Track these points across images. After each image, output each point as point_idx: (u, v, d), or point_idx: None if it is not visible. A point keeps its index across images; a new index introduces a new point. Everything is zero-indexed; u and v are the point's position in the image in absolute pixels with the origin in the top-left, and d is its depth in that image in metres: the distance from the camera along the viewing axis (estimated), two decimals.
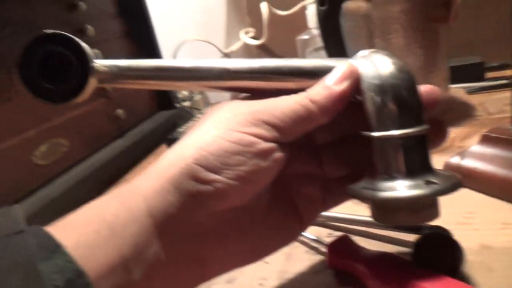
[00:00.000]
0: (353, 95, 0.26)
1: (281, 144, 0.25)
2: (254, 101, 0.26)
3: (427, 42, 0.60)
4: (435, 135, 0.28)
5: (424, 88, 0.26)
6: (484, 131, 0.44)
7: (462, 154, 0.44)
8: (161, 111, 0.88)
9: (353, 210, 0.43)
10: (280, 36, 0.98)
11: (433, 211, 0.26)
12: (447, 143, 0.55)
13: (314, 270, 0.35)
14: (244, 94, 0.29)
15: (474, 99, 0.68)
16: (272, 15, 0.89)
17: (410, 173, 0.25)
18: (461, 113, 0.63)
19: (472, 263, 0.32)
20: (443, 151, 0.52)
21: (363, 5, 0.59)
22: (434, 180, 0.24)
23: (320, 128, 0.27)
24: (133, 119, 0.78)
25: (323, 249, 0.35)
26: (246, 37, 0.97)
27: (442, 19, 0.61)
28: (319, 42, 0.59)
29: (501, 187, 0.39)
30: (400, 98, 0.24)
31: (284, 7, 0.90)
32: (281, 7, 0.91)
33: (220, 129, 0.24)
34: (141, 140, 0.73)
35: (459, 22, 0.90)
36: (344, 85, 0.25)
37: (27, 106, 0.54)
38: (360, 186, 0.26)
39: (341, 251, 0.33)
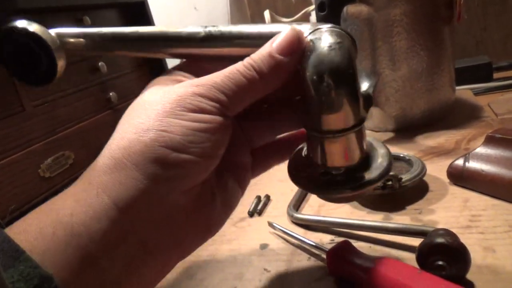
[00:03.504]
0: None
1: (229, 116, 0.25)
2: (198, 79, 0.25)
3: (430, 44, 0.60)
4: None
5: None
6: (489, 131, 0.43)
7: (467, 156, 0.43)
8: None
9: (356, 215, 0.43)
10: None
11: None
12: (452, 145, 0.54)
13: (314, 277, 0.35)
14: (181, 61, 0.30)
15: (481, 100, 0.67)
16: (275, 22, 0.90)
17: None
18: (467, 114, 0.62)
19: (477, 268, 0.31)
20: (448, 153, 0.52)
21: (364, 9, 0.59)
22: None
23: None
24: None
25: (324, 256, 0.35)
26: None
27: (445, 20, 0.60)
28: None
29: (506, 189, 0.38)
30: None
31: (288, 14, 0.90)
32: (284, 14, 0.91)
33: (174, 111, 0.23)
34: None
35: (468, 22, 0.89)
36: (290, 57, 0.25)
37: (33, 120, 0.55)
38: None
39: (341, 258, 0.33)
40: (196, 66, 0.29)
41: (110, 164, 0.23)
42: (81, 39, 0.28)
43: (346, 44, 0.24)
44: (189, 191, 0.24)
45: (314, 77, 0.24)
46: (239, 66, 0.25)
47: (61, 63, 0.27)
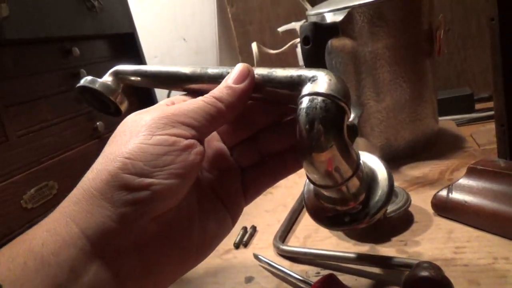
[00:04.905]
0: (252, 92, 0.28)
1: (198, 141, 0.26)
2: (166, 107, 0.27)
3: (413, 76, 0.61)
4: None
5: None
6: (471, 163, 0.44)
7: (450, 187, 0.44)
8: None
9: (342, 247, 0.43)
10: None
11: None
12: (437, 175, 0.54)
13: None
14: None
15: (464, 131, 0.69)
16: (262, 53, 0.91)
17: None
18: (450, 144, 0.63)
19: None
20: (433, 184, 0.52)
21: (348, 43, 0.61)
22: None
23: (232, 130, 0.31)
24: None
25: None
26: None
27: (426, 53, 0.62)
28: None
29: (489, 220, 0.39)
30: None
31: (274, 46, 0.92)
32: (272, 46, 0.93)
33: (140, 136, 0.25)
34: None
35: (448, 55, 0.92)
36: (244, 83, 0.28)
37: (17, 150, 0.54)
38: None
39: None
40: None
41: (79, 194, 0.24)
42: (138, 78, 0.34)
43: (333, 112, 0.25)
44: (159, 218, 0.24)
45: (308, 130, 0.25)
46: (202, 97, 0.28)
47: (123, 106, 0.34)
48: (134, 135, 0.25)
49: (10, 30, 0.53)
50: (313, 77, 0.26)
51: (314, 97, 0.25)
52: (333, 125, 0.25)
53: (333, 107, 0.25)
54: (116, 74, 0.34)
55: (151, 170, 0.23)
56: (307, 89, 0.26)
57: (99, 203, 0.23)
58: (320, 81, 0.26)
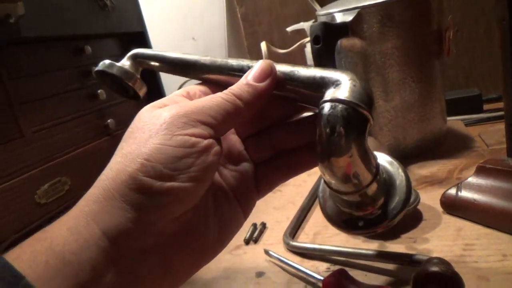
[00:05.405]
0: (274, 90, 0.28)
1: (216, 139, 0.26)
2: (184, 103, 0.26)
3: (422, 76, 0.62)
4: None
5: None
6: (480, 162, 0.44)
7: (459, 185, 0.44)
8: None
9: (351, 243, 0.43)
10: None
11: None
12: (445, 174, 0.55)
13: None
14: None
15: (472, 131, 0.69)
16: (271, 53, 0.92)
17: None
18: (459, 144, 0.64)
19: None
20: (441, 183, 0.53)
21: (357, 43, 0.61)
22: None
23: (245, 123, 0.30)
24: None
25: (320, 284, 0.35)
26: None
27: (435, 54, 0.63)
28: None
29: (499, 218, 0.39)
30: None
31: (283, 46, 0.93)
32: (280, 46, 0.94)
33: (159, 136, 0.24)
34: None
35: (457, 56, 0.92)
36: (266, 82, 0.27)
37: (32, 146, 0.55)
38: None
39: (338, 286, 0.33)
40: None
41: (99, 194, 0.23)
42: (156, 63, 0.33)
43: (355, 120, 0.25)
44: (178, 218, 0.24)
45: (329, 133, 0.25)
46: (221, 94, 0.27)
47: (141, 92, 0.33)
48: (153, 133, 0.24)
49: (25, 28, 0.54)
50: (337, 81, 0.26)
51: (336, 104, 0.25)
52: (354, 133, 0.24)
53: (354, 115, 0.25)
54: (134, 58, 0.33)
55: (171, 173, 0.23)
56: (329, 94, 0.25)
57: (119, 204, 0.23)
58: (343, 86, 0.25)
